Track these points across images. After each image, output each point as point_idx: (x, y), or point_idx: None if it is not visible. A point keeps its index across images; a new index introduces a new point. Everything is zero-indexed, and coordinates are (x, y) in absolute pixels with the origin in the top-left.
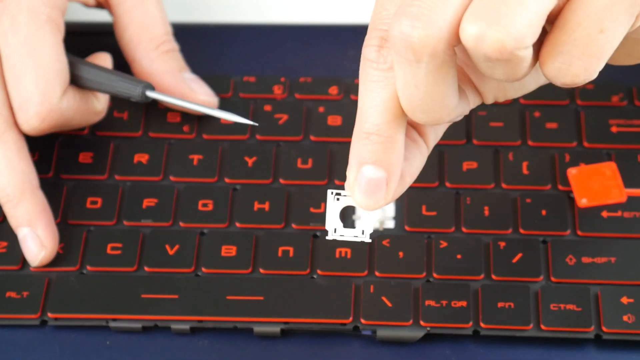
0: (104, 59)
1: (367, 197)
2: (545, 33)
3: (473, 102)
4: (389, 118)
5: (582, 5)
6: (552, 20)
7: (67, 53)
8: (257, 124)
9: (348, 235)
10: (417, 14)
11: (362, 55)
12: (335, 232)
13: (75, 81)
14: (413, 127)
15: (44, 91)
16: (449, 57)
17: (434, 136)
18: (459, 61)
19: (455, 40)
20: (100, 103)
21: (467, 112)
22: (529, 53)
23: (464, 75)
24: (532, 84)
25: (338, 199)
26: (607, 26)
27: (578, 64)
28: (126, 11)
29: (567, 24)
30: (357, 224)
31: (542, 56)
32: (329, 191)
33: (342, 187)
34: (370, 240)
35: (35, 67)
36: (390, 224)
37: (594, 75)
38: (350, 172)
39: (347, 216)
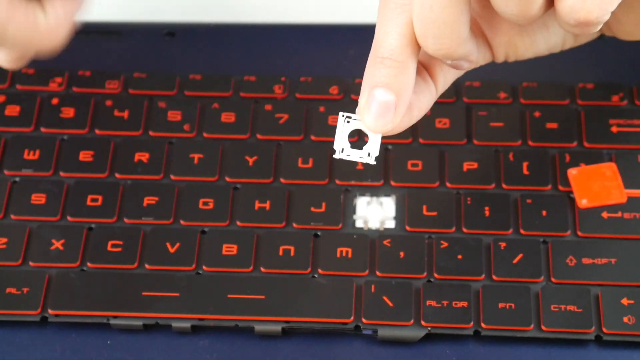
0: None
1: (376, 119)
2: None
3: (484, 58)
4: (403, 43)
5: None
6: None
7: None
8: None
9: (354, 155)
10: None
11: None
12: (342, 151)
13: None
14: (424, 68)
15: None
16: None
17: (443, 80)
18: (474, 13)
19: None
20: (47, 18)
21: (474, 56)
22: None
23: (478, 28)
24: (541, 43)
25: (348, 122)
26: None
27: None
28: None
29: None
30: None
31: None
32: (340, 113)
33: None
34: (374, 162)
35: None
36: (391, 224)
37: (606, 15)
38: (362, 96)
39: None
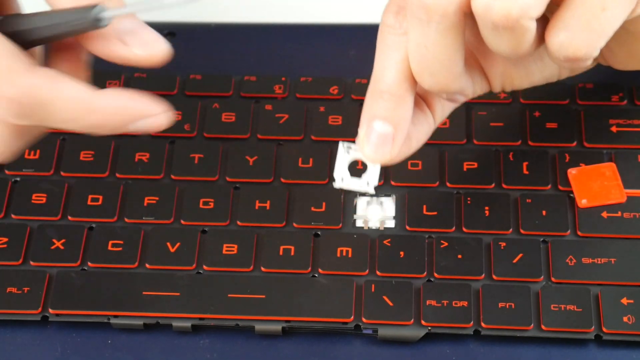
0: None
1: (375, 150)
2: (546, 20)
3: (480, 88)
4: (400, 78)
5: None
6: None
7: None
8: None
9: (354, 185)
10: None
11: (381, 22)
12: (342, 181)
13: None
14: (422, 100)
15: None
16: (459, 22)
17: (441, 111)
18: (470, 45)
19: (466, 6)
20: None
21: (470, 90)
22: (533, 25)
23: (474, 60)
24: (536, 74)
25: (348, 152)
26: (609, 5)
27: (581, 37)
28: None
29: (573, 1)
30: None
31: (548, 30)
32: (341, 143)
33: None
34: (373, 192)
35: None
36: (391, 224)
37: (594, 52)
38: (362, 128)
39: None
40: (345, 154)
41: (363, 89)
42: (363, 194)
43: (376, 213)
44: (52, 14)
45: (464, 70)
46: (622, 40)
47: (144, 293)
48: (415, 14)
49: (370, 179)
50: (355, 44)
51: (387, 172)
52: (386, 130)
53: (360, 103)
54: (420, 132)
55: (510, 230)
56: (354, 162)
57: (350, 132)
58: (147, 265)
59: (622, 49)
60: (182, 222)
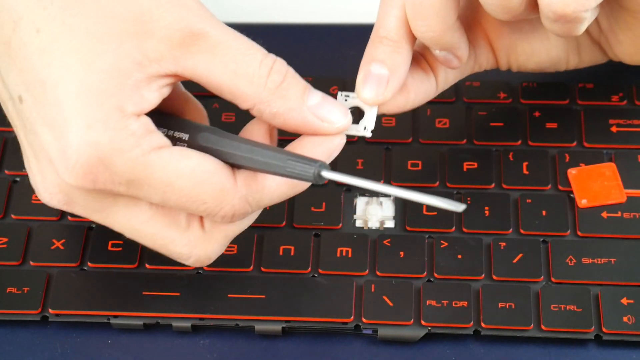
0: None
1: (369, 91)
2: None
3: (487, 62)
4: (398, 24)
5: None
6: None
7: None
8: (464, 207)
9: (351, 130)
10: None
11: None
12: None
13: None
14: (427, 62)
15: None
16: None
17: (444, 77)
18: (477, 15)
19: None
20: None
21: (464, 52)
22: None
23: (481, 30)
24: (542, 53)
25: (346, 100)
26: None
27: None
28: (208, 74)
29: None
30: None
31: None
32: (339, 92)
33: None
34: (370, 135)
35: None
36: (391, 224)
37: (583, 10)
38: (360, 72)
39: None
40: (343, 102)
41: None
42: (363, 194)
43: (376, 213)
44: (275, 152)
45: (458, 26)
46: (627, 25)
47: (144, 293)
48: None
49: (367, 124)
50: (355, 44)
51: (387, 173)
52: (382, 72)
53: None
54: (420, 88)
55: (510, 230)
56: (352, 109)
57: None
58: (147, 265)
59: (627, 36)
60: None
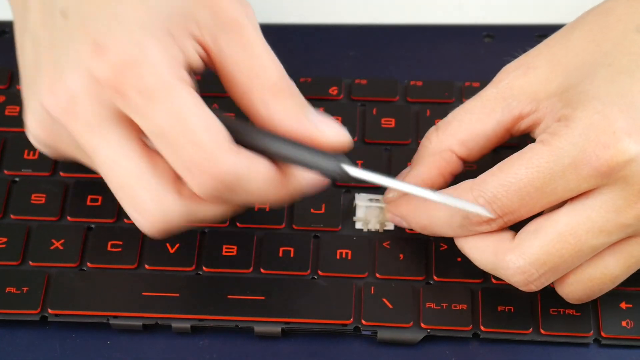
0: None
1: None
2: None
3: None
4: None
5: None
6: None
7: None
8: (489, 215)
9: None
10: None
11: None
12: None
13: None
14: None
15: None
16: None
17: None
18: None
19: None
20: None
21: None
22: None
23: None
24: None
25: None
26: None
27: None
28: (230, 59)
29: None
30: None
31: None
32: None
33: None
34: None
35: None
36: (391, 226)
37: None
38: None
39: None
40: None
41: (362, 89)
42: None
43: (376, 215)
44: (299, 147)
45: None
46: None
47: (143, 294)
48: None
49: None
50: (355, 44)
51: (387, 173)
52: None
53: (360, 103)
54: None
55: None
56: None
57: (349, 132)
58: (147, 266)
59: None
60: None
